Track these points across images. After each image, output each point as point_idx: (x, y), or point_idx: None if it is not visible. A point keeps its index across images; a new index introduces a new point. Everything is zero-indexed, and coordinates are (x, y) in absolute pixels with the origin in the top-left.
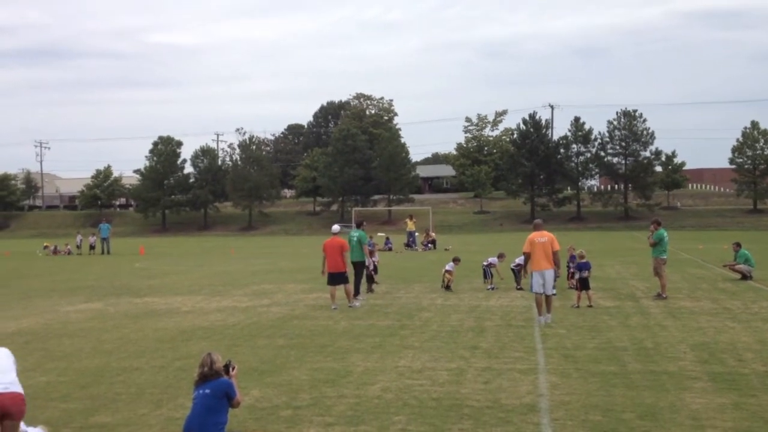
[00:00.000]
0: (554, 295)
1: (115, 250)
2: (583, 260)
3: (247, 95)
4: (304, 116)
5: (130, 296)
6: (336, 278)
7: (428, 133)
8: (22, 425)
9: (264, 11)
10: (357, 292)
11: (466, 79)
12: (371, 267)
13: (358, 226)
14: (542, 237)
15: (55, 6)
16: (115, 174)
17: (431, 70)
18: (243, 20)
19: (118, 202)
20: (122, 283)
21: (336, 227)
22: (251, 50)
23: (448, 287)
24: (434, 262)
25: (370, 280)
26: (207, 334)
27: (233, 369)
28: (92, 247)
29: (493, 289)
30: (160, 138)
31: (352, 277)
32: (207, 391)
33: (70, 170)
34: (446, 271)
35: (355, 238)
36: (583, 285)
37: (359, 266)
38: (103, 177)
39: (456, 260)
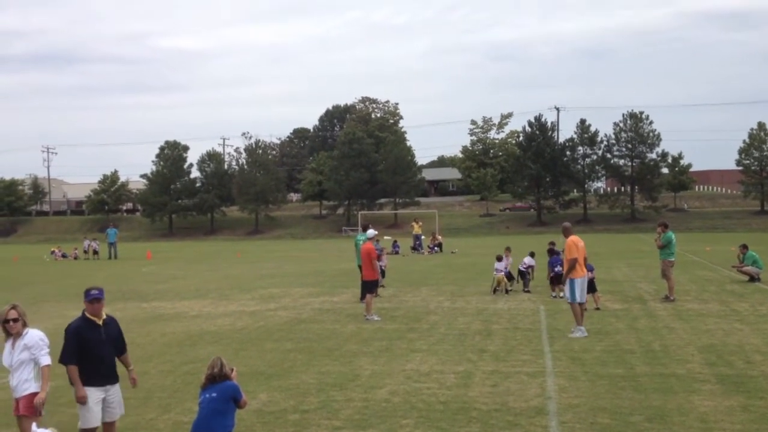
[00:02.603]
0: None
1: (123, 255)
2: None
3: (254, 99)
4: (309, 120)
5: (137, 301)
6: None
7: (434, 136)
8: (34, 426)
9: (271, 16)
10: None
11: (472, 82)
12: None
13: (364, 229)
14: (581, 241)
15: (62, 11)
16: (122, 179)
17: (437, 73)
18: (250, 25)
19: (125, 207)
20: (130, 287)
21: (370, 232)
22: (258, 54)
23: (506, 291)
24: (441, 265)
25: None
26: (215, 339)
27: (231, 371)
28: (95, 252)
29: (528, 291)
30: (167, 143)
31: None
32: (214, 394)
33: (77, 175)
34: (497, 270)
35: (360, 242)
36: (590, 287)
37: None
38: (110, 182)
39: (507, 250)
